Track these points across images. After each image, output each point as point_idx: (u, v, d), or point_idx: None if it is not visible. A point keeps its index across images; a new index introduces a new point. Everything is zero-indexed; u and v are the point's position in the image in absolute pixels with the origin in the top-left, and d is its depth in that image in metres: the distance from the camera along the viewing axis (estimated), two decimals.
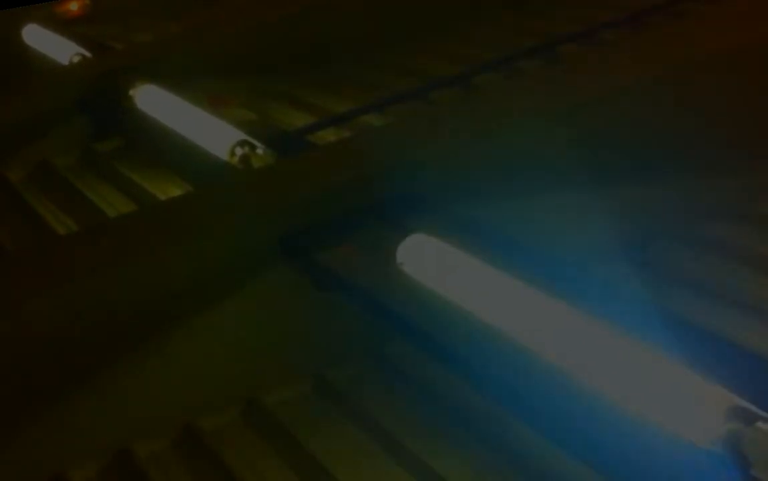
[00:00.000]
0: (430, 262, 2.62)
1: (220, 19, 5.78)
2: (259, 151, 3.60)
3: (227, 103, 4.42)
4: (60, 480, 2.63)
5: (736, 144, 3.36)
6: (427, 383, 2.70)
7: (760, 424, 1.83)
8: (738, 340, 2.42)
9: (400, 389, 2.76)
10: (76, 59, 5.10)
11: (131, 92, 4.36)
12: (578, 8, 5.14)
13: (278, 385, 2.82)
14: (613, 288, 2.49)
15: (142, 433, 2.71)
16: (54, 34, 5.51)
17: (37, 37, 5.60)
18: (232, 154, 3.60)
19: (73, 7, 6.31)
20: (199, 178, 3.88)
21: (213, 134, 3.78)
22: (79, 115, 4.64)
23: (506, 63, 4.57)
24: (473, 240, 2.61)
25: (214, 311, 2.83)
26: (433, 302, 2.54)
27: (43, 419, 2.65)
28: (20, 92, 4.93)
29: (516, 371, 2.30)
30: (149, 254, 2.92)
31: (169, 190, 3.95)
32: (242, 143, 3.61)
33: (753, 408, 1.85)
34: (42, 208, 4.13)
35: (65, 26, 5.81)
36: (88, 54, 5.11)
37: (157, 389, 2.77)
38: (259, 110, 4.66)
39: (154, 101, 4.28)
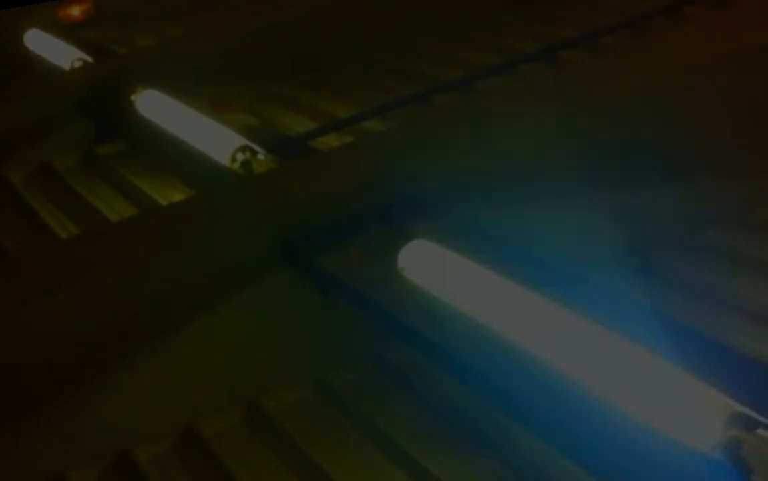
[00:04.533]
0: (432, 267, 2.63)
1: (222, 24, 5.79)
2: (261, 156, 3.60)
3: (230, 108, 4.41)
4: None
5: (735, 150, 3.37)
6: (427, 387, 2.70)
7: (760, 430, 1.84)
8: (738, 346, 2.43)
9: (400, 394, 2.76)
10: (77, 64, 5.10)
11: (133, 97, 4.36)
12: (579, 12, 5.15)
13: (279, 389, 2.83)
14: (614, 293, 2.49)
15: (142, 436, 2.71)
16: (56, 40, 5.50)
17: (39, 42, 5.59)
18: (233, 159, 3.60)
19: (75, 12, 6.30)
20: (201, 183, 3.88)
21: (214, 140, 3.78)
22: (81, 119, 4.64)
23: (507, 67, 4.58)
24: (474, 245, 2.62)
25: (216, 316, 2.83)
26: (434, 307, 2.54)
27: (43, 421, 2.65)
28: (22, 95, 4.93)
29: (516, 375, 2.30)
30: (150, 258, 2.92)
31: (170, 194, 3.95)
32: (243, 149, 3.61)
33: (754, 414, 1.85)
34: (42, 209, 4.13)
35: (67, 31, 5.81)
36: (89, 59, 5.11)
37: (157, 393, 2.77)
38: (262, 115, 4.66)
39: (155, 106, 4.28)
